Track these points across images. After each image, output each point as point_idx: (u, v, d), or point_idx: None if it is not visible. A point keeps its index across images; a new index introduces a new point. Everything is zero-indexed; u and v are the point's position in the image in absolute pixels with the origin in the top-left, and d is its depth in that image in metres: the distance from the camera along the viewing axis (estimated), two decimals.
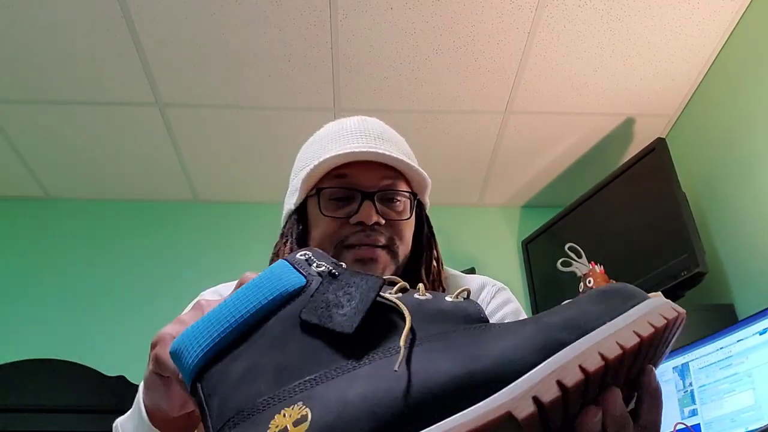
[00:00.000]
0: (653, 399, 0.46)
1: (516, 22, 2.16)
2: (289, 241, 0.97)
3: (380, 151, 0.92)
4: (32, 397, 2.47)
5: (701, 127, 2.43)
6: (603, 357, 0.41)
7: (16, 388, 2.47)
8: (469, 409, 0.40)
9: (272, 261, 0.96)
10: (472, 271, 2.58)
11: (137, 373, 2.50)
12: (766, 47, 2.08)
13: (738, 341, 1.76)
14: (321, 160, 0.92)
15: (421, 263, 0.99)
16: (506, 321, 0.72)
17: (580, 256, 2.34)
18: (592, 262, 2.29)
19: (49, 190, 2.87)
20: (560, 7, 2.12)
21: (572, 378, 0.40)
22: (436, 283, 0.98)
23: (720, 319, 2.05)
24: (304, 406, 0.45)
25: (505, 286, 1.04)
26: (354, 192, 0.93)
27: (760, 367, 1.67)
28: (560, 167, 2.81)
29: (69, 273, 2.78)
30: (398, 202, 0.95)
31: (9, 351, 2.56)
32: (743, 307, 2.12)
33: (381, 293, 0.50)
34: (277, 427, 0.45)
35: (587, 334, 0.42)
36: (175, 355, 0.53)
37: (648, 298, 0.46)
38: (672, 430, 1.77)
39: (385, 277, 0.52)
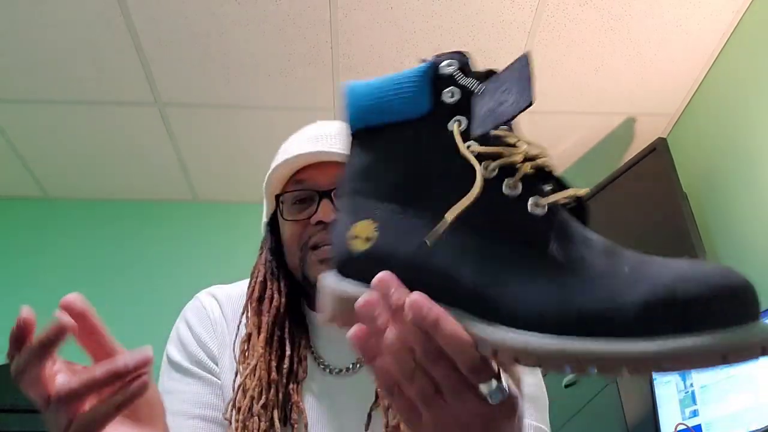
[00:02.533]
0: None
1: (516, 22, 2.16)
2: (263, 253, 0.99)
3: (327, 150, 0.93)
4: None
5: (702, 126, 2.43)
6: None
7: (15, 389, 2.46)
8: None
9: (253, 273, 0.98)
10: None
11: None
12: (767, 47, 2.08)
13: None
14: (274, 166, 0.95)
15: None
16: None
17: None
18: None
19: (48, 190, 2.87)
20: (560, 7, 2.11)
21: None
22: None
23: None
24: (376, 230, 0.52)
25: None
26: (312, 193, 0.94)
27: (761, 368, 1.67)
28: (560, 168, 2.80)
29: (68, 273, 2.78)
30: None
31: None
32: None
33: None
34: (357, 230, 0.53)
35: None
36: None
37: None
38: (673, 430, 1.77)
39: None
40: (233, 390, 0.87)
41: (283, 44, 2.22)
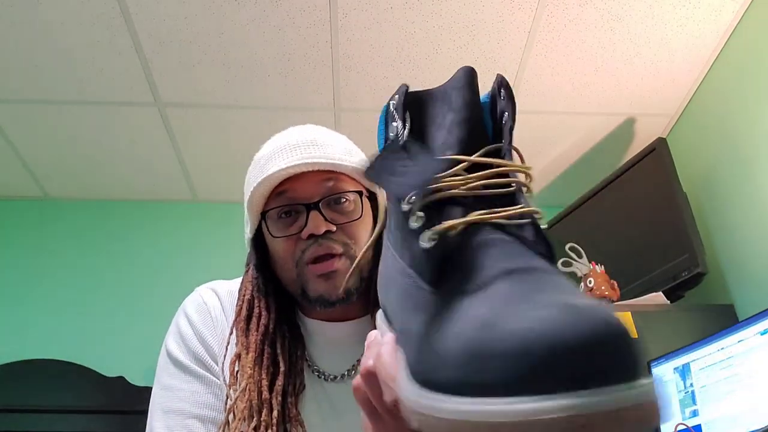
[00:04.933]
0: None
1: (516, 22, 2.16)
2: (250, 269, 0.97)
3: (311, 159, 0.91)
4: (31, 398, 2.46)
5: (702, 127, 2.43)
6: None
7: (15, 389, 2.47)
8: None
9: (240, 290, 0.96)
10: None
11: (136, 374, 2.50)
12: (767, 47, 2.08)
13: (739, 342, 1.76)
14: (256, 184, 0.92)
15: None
16: None
17: (580, 256, 2.34)
18: (593, 262, 2.29)
19: (48, 190, 2.87)
20: (560, 7, 2.11)
21: None
22: None
23: (720, 319, 2.04)
24: None
25: None
26: (298, 206, 0.92)
27: (761, 368, 1.67)
28: (560, 167, 2.80)
29: (68, 274, 2.78)
30: (346, 203, 0.93)
31: (8, 351, 2.56)
32: (744, 308, 2.11)
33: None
34: None
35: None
36: None
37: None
38: (673, 430, 1.77)
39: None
40: (224, 410, 0.86)
41: (283, 44, 2.22)
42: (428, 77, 2.35)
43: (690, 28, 2.20)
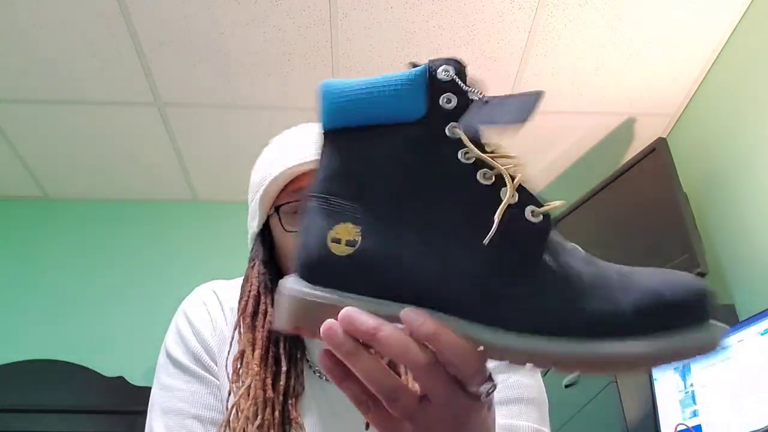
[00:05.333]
0: None
1: (516, 22, 2.16)
2: (256, 264, 0.95)
3: None
4: (31, 398, 2.47)
5: (702, 126, 2.42)
6: None
7: (15, 389, 2.47)
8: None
9: (244, 286, 0.95)
10: None
11: (136, 374, 2.50)
12: (767, 47, 2.08)
13: (739, 342, 1.76)
14: (273, 177, 0.91)
15: None
16: None
17: None
18: None
19: (48, 190, 2.87)
20: (560, 6, 2.11)
21: None
22: None
23: (720, 319, 2.04)
24: (359, 234, 0.50)
25: None
26: None
27: (761, 368, 1.67)
28: (560, 167, 2.80)
29: (68, 273, 2.78)
30: None
31: (8, 352, 2.56)
32: (744, 308, 2.11)
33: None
34: (337, 233, 0.51)
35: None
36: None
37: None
38: (673, 430, 1.77)
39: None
40: (226, 408, 0.85)
41: (283, 44, 2.22)
42: None
43: (690, 28, 2.20)
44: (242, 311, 0.91)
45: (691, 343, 0.46)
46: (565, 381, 2.17)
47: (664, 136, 2.51)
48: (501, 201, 0.49)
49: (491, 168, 0.50)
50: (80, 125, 2.52)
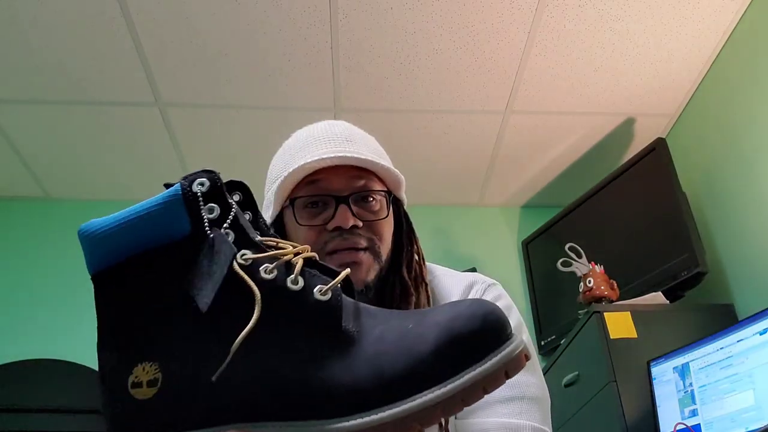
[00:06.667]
0: None
1: (516, 22, 2.16)
2: None
3: (348, 154, 0.92)
4: (31, 398, 2.47)
5: (701, 126, 2.43)
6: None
7: (15, 388, 2.47)
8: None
9: None
10: (473, 270, 2.58)
11: None
12: (766, 47, 2.08)
13: (738, 341, 1.76)
14: (290, 171, 0.92)
15: (402, 261, 0.98)
16: None
17: (580, 256, 2.34)
18: (592, 263, 2.29)
19: (49, 190, 2.87)
20: (560, 7, 2.12)
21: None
22: (419, 280, 0.97)
23: (720, 319, 2.05)
24: (158, 370, 0.48)
25: (497, 282, 1.02)
26: (327, 197, 0.92)
27: (761, 368, 1.67)
28: (560, 167, 2.80)
29: (68, 273, 2.78)
30: (373, 202, 0.94)
31: (8, 351, 2.56)
32: (743, 307, 2.11)
33: (241, 263, 0.49)
34: (136, 377, 0.49)
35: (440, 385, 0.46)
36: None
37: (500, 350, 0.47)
38: (672, 430, 1.77)
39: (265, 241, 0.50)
40: None
41: (283, 44, 2.22)
42: (428, 77, 2.35)
43: (690, 28, 2.20)
44: None
45: (496, 366, 0.46)
46: (565, 380, 2.17)
47: (664, 136, 2.51)
48: (289, 288, 0.49)
49: (271, 260, 0.50)
50: (80, 125, 2.53)
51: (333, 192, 0.92)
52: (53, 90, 2.36)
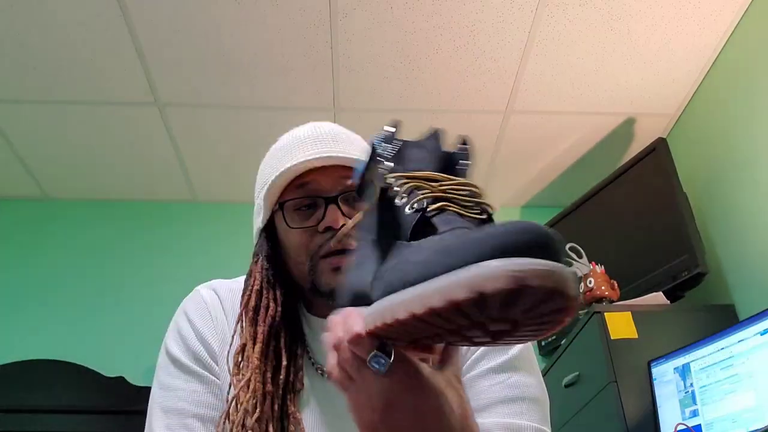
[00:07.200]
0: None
1: (516, 22, 2.16)
2: (260, 259, 0.97)
3: (335, 154, 0.92)
4: (31, 398, 2.46)
5: (702, 127, 2.43)
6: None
7: (15, 389, 2.47)
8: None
9: (248, 281, 0.96)
10: None
11: (136, 374, 2.49)
12: (766, 48, 2.08)
13: (739, 342, 1.76)
14: (278, 174, 0.92)
15: None
16: None
17: (580, 256, 2.34)
18: (593, 263, 2.29)
19: (48, 190, 2.87)
20: (560, 7, 2.11)
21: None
22: None
23: (721, 319, 2.04)
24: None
25: None
26: (317, 199, 0.92)
27: (761, 368, 1.67)
28: (560, 167, 2.80)
29: (68, 274, 2.78)
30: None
31: (8, 352, 2.56)
32: (744, 308, 2.11)
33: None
34: None
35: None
36: None
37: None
38: (673, 430, 1.77)
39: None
40: (226, 401, 0.86)
41: (283, 44, 2.22)
42: (428, 77, 2.35)
43: (690, 28, 2.20)
44: (245, 305, 0.92)
45: (542, 267, 0.48)
46: (565, 381, 2.17)
47: (664, 136, 2.51)
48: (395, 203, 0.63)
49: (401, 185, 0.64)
50: (80, 125, 2.52)
51: (322, 193, 0.92)
52: (53, 90, 2.36)
